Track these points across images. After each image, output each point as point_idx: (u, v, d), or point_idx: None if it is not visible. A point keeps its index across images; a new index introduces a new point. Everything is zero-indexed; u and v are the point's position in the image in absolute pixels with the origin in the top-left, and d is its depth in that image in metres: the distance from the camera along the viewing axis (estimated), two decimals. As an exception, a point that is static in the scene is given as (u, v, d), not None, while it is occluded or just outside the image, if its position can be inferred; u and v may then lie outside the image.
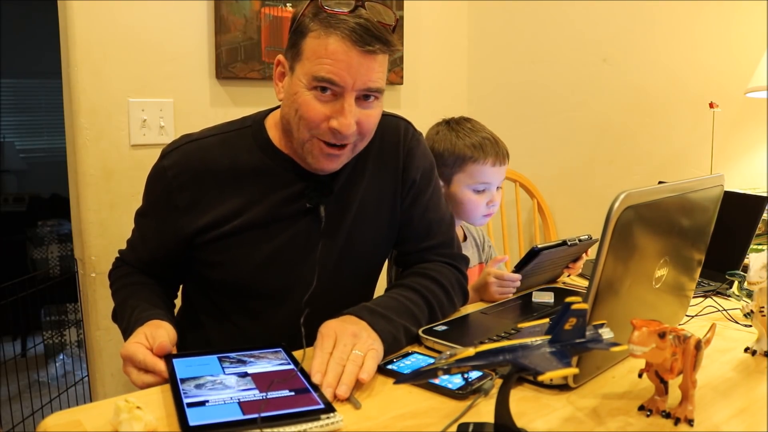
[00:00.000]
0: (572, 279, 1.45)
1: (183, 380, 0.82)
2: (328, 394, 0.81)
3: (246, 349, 0.92)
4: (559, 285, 1.41)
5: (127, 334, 1.00)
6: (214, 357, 0.89)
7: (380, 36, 0.96)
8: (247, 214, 1.08)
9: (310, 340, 0.94)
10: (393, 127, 1.17)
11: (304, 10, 0.99)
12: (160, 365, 0.88)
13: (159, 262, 1.15)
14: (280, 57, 1.06)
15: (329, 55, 0.95)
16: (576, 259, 1.43)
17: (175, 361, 0.88)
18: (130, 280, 1.15)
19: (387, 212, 1.17)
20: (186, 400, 0.76)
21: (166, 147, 1.11)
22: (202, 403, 0.76)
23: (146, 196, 1.14)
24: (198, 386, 0.80)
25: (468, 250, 1.53)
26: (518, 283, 1.30)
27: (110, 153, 1.74)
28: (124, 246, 1.22)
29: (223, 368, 0.86)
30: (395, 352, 0.97)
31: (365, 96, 1.01)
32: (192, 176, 1.07)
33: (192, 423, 0.71)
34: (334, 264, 1.13)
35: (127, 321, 1.03)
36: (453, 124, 1.51)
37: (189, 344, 1.16)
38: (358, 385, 0.85)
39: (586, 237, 1.34)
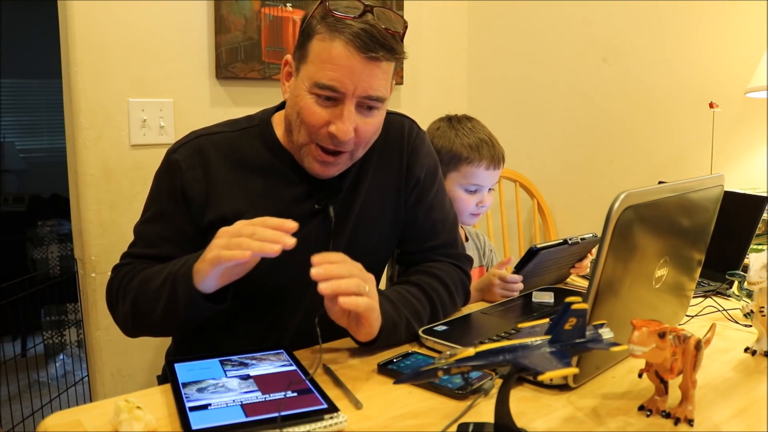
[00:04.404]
0: (573, 279, 1.45)
1: (185, 384, 0.82)
2: (326, 287, 0.84)
3: (248, 351, 0.92)
4: (560, 285, 1.41)
5: (185, 269, 0.93)
6: (216, 360, 0.89)
7: (384, 43, 0.96)
8: (255, 212, 1.07)
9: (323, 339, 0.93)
10: (397, 126, 1.17)
11: (313, 12, 0.99)
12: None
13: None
14: (288, 57, 1.07)
15: (332, 60, 0.95)
16: (581, 259, 1.41)
17: (176, 365, 0.87)
18: (141, 270, 1.07)
19: (390, 211, 1.17)
20: (188, 404, 0.76)
21: (174, 144, 1.10)
22: (204, 407, 0.76)
23: (156, 196, 1.10)
24: (200, 390, 0.80)
25: (469, 252, 1.52)
26: (521, 285, 1.29)
27: (110, 153, 1.74)
28: (124, 246, 1.19)
29: (225, 371, 0.86)
30: (390, 343, 0.96)
31: (368, 106, 1.00)
32: (204, 169, 1.06)
33: (195, 427, 0.71)
34: None
35: (172, 273, 0.96)
36: (454, 122, 1.51)
37: (196, 347, 1.15)
38: (357, 384, 0.86)
39: (590, 235, 1.31)
